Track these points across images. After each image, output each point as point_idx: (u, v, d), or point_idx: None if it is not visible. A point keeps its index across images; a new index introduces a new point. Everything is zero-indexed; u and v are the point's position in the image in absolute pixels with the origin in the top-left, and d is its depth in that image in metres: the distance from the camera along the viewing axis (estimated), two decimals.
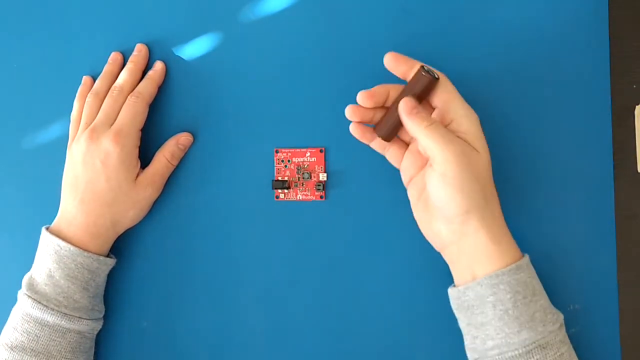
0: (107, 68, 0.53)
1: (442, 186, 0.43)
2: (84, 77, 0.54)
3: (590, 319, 0.48)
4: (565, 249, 0.49)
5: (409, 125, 0.44)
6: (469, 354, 0.45)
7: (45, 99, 0.56)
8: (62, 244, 0.48)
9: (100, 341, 0.53)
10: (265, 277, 0.52)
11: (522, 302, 0.42)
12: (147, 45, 0.54)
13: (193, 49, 0.53)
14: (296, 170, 0.52)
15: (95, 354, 0.53)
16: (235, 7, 0.53)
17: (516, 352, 0.42)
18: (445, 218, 0.44)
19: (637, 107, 0.48)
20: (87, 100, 0.52)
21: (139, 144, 0.51)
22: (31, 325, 0.48)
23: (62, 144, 0.53)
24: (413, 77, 0.45)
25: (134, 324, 0.54)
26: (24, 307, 0.48)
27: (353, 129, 0.48)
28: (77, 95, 0.53)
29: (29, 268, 0.50)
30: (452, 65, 0.50)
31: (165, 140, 0.53)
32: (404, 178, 0.48)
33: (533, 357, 0.42)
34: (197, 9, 0.53)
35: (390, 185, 0.50)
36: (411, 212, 0.48)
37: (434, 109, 0.46)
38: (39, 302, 0.48)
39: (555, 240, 0.49)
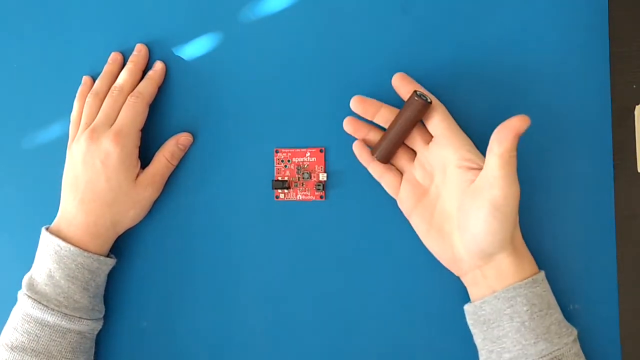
0: (107, 68, 0.53)
1: (489, 219, 0.42)
2: (84, 77, 0.54)
3: (590, 319, 0.48)
4: (565, 249, 0.49)
5: (501, 141, 0.41)
6: None
7: (45, 99, 0.56)
8: (62, 244, 0.48)
9: (100, 341, 0.53)
10: (265, 277, 0.52)
11: (539, 315, 0.43)
12: (147, 45, 0.54)
13: (193, 49, 0.53)
14: (296, 170, 0.52)
15: (95, 354, 0.53)
16: (235, 7, 0.53)
17: None
18: (478, 248, 0.44)
19: (637, 107, 0.48)
20: (87, 100, 0.52)
21: (139, 144, 0.51)
22: (31, 325, 0.48)
23: (62, 144, 0.53)
24: (408, 101, 0.46)
25: (134, 324, 0.54)
26: (24, 308, 0.48)
27: (355, 148, 0.49)
28: (77, 95, 0.53)
29: (29, 268, 0.50)
30: (451, 65, 0.50)
31: (165, 140, 0.53)
32: (404, 209, 0.49)
33: None
34: (197, 9, 0.53)
35: None
36: None
37: (430, 137, 0.47)
38: (39, 302, 0.48)
39: (555, 240, 0.49)
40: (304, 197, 0.52)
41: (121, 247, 0.54)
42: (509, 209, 0.42)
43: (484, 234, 0.43)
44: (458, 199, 0.45)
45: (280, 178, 0.52)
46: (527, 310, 0.43)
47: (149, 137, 0.53)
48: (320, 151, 0.52)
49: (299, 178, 0.52)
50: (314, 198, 0.52)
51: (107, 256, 0.51)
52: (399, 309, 0.51)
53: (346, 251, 0.51)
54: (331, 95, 0.52)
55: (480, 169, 0.44)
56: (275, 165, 0.52)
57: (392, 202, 0.50)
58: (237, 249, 0.53)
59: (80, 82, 0.54)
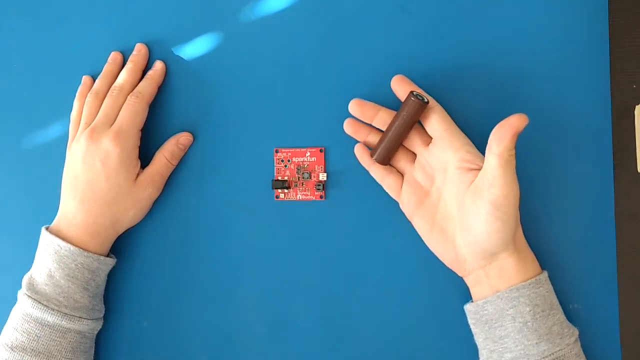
0: (107, 68, 0.53)
1: (490, 219, 0.42)
2: (84, 77, 0.54)
3: (590, 319, 0.48)
4: (565, 249, 0.49)
5: (497, 142, 0.41)
6: None
7: (45, 99, 0.56)
8: (62, 243, 0.48)
9: (100, 341, 0.53)
10: (265, 277, 0.52)
11: (541, 315, 0.43)
12: (147, 45, 0.54)
13: (193, 49, 0.53)
14: (296, 170, 0.52)
15: (95, 353, 0.53)
16: (235, 7, 0.53)
17: None
18: (480, 248, 0.44)
19: (637, 107, 0.48)
20: (87, 100, 0.52)
21: (139, 143, 0.51)
22: (31, 325, 0.48)
23: (62, 144, 0.53)
24: (405, 102, 0.46)
25: (134, 324, 0.54)
26: (24, 307, 0.48)
27: (356, 151, 0.50)
28: (77, 95, 0.53)
29: (29, 268, 0.50)
30: (451, 65, 0.50)
31: (165, 140, 0.53)
32: (406, 211, 0.49)
33: None
34: (197, 9, 0.53)
35: None
36: None
37: (429, 139, 0.47)
38: (39, 302, 0.48)
39: (556, 240, 0.49)
40: (304, 197, 0.52)
41: (121, 247, 0.54)
42: (510, 208, 0.42)
43: (485, 233, 0.43)
44: (459, 200, 0.45)
45: (280, 178, 0.52)
46: (530, 311, 0.43)
47: (149, 137, 0.53)
48: (320, 151, 0.52)
49: (299, 178, 0.52)
50: (314, 198, 0.52)
51: (107, 256, 0.51)
52: (398, 308, 0.51)
53: (346, 251, 0.51)
54: (331, 95, 0.52)
55: (480, 169, 0.44)
56: (275, 165, 0.52)
57: (392, 202, 0.50)
58: (237, 249, 0.53)
59: (80, 82, 0.54)
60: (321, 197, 0.52)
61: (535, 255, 0.46)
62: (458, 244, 0.46)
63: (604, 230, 0.49)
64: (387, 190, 0.49)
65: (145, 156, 0.52)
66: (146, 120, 0.52)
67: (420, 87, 0.48)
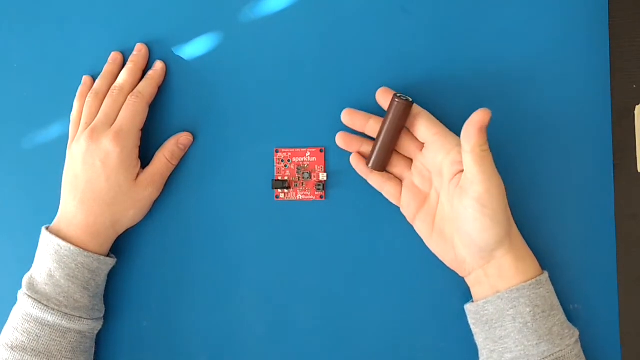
0: (107, 68, 0.53)
1: (478, 216, 0.43)
2: (84, 76, 0.54)
3: (590, 319, 0.48)
4: (565, 249, 0.49)
5: (468, 140, 0.41)
6: None
7: (45, 99, 0.56)
8: (63, 243, 0.48)
9: (100, 341, 0.53)
10: (265, 277, 0.52)
11: (541, 316, 0.43)
12: (147, 45, 0.54)
13: (193, 49, 0.53)
14: (296, 170, 0.52)
15: (95, 353, 0.53)
16: (235, 7, 0.53)
17: None
18: (476, 247, 0.44)
19: (637, 107, 0.48)
20: (87, 100, 0.52)
21: (139, 143, 0.51)
22: (32, 325, 0.48)
23: (62, 144, 0.53)
24: (390, 106, 0.46)
25: (134, 324, 0.54)
26: (24, 307, 0.48)
27: (352, 160, 0.49)
28: (77, 95, 0.53)
29: (29, 268, 0.50)
30: (451, 65, 0.50)
31: (165, 140, 0.53)
32: (407, 215, 0.49)
33: None
34: (197, 9, 0.53)
35: None
36: None
37: (422, 143, 0.47)
38: (40, 302, 0.48)
39: (555, 240, 0.49)
40: (304, 197, 0.52)
41: (121, 247, 0.54)
42: (495, 202, 0.42)
43: (477, 231, 0.43)
44: (453, 201, 0.45)
45: (280, 178, 0.52)
46: (530, 312, 0.43)
47: (149, 137, 0.53)
48: (320, 151, 0.52)
49: (299, 178, 0.52)
50: (314, 198, 0.52)
51: (107, 256, 0.51)
52: (398, 308, 0.51)
53: (346, 251, 0.51)
54: (331, 95, 0.52)
55: None
56: (275, 165, 0.52)
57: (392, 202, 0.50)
58: (237, 248, 0.53)
59: (80, 82, 0.54)
60: (321, 197, 0.52)
61: (536, 255, 0.46)
62: (456, 245, 0.46)
63: (604, 230, 0.49)
64: (387, 197, 0.49)
65: (145, 156, 0.52)
66: (146, 120, 0.52)
67: (420, 86, 0.48)
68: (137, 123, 0.51)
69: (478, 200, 0.42)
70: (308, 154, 0.52)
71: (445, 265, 0.48)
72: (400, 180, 0.49)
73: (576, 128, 0.49)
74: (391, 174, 0.49)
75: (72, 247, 0.48)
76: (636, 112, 0.48)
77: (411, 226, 0.49)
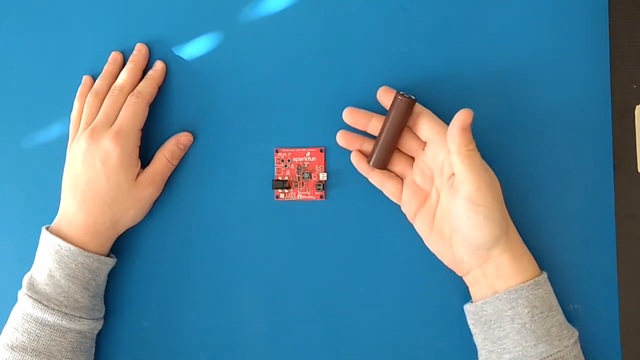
0: (107, 68, 0.53)
1: (472, 215, 0.43)
2: (84, 76, 0.54)
3: (590, 319, 0.48)
4: (565, 249, 0.49)
5: (452, 141, 0.42)
6: None
7: (45, 98, 0.56)
8: (63, 243, 0.48)
9: (101, 341, 0.53)
10: (265, 277, 0.52)
11: (540, 317, 0.43)
12: (147, 45, 0.54)
13: (193, 49, 0.53)
14: (296, 170, 0.52)
15: (95, 353, 0.53)
16: (235, 7, 0.53)
17: None
18: (472, 245, 0.44)
19: (637, 107, 0.48)
20: (87, 100, 0.52)
21: (139, 143, 0.51)
22: (32, 325, 0.48)
23: (62, 143, 0.53)
24: (392, 104, 0.46)
25: (134, 324, 0.54)
26: (24, 307, 0.48)
27: (353, 158, 0.49)
28: (77, 95, 0.53)
29: (29, 268, 0.50)
30: (451, 65, 0.50)
31: (165, 140, 0.53)
32: (407, 214, 0.49)
33: None
34: (197, 9, 0.53)
35: None
36: None
37: (424, 142, 0.47)
38: (40, 302, 0.48)
39: (555, 240, 0.49)
40: (304, 197, 0.52)
41: (121, 247, 0.54)
42: (487, 200, 0.43)
43: (471, 230, 0.43)
44: (449, 200, 0.45)
45: (280, 178, 0.52)
46: (528, 312, 0.43)
47: (149, 137, 0.53)
48: (320, 151, 0.52)
49: (299, 178, 0.52)
50: (314, 198, 0.52)
51: (107, 256, 0.51)
52: (398, 308, 0.51)
53: (346, 251, 0.51)
54: (331, 95, 0.52)
55: None
56: (275, 165, 0.52)
57: (392, 202, 0.50)
58: (237, 248, 0.53)
59: (81, 82, 0.54)
60: (321, 197, 0.52)
61: (536, 255, 0.46)
62: (454, 244, 0.46)
63: (604, 230, 0.49)
64: (387, 195, 0.49)
65: (145, 156, 0.52)
66: (146, 120, 0.52)
67: (420, 86, 0.48)
68: (137, 123, 0.51)
69: (470, 199, 0.43)
70: (308, 154, 0.52)
71: (445, 265, 0.48)
72: (401, 179, 0.49)
73: (576, 128, 0.49)
74: (392, 172, 0.49)
75: (72, 247, 0.48)
76: (636, 112, 0.48)
77: (411, 226, 0.49)
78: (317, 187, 0.51)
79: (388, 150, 0.47)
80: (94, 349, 0.52)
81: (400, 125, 0.46)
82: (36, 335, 0.48)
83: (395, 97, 0.46)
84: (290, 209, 0.52)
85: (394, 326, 0.51)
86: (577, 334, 0.45)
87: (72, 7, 0.55)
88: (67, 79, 0.54)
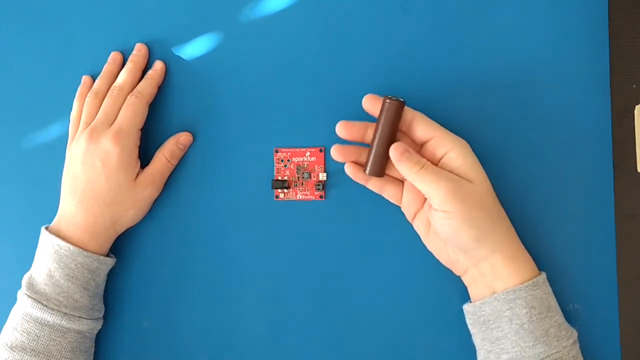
0: (107, 68, 0.53)
1: (446, 222, 0.43)
2: (84, 76, 0.54)
3: (590, 319, 0.48)
4: (565, 249, 0.49)
5: (401, 171, 0.45)
6: None
7: (45, 98, 0.56)
8: (62, 243, 0.48)
9: (100, 341, 0.53)
10: (265, 277, 0.52)
11: (538, 318, 0.43)
12: (147, 45, 0.54)
13: (193, 49, 0.53)
14: (296, 170, 0.52)
15: (95, 353, 0.53)
16: (235, 7, 0.53)
17: None
18: (457, 248, 0.45)
19: (637, 107, 0.48)
20: (86, 99, 0.52)
21: (138, 143, 0.51)
22: (31, 325, 0.48)
23: (62, 143, 0.53)
24: (381, 109, 0.45)
25: (134, 324, 0.54)
26: (23, 307, 0.48)
27: (347, 170, 0.48)
28: (77, 95, 0.53)
29: (28, 268, 0.50)
30: (451, 65, 0.50)
31: (165, 140, 0.53)
32: (407, 214, 0.49)
33: None
34: (197, 9, 0.53)
35: None
36: None
37: (420, 145, 0.47)
38: (39, 302, 0.48)
39: (556, 240, 0.49)
40: (303, 196, 0.52)
41: (121, 247, 0.54)
42: (456, 205, 0.43)
43: (450, 236, 0.44)
44: None
45: (280, 178, 0.52)
46: (527, 313, 0.43)
47: (149, 136, 0.53)
48: (320, 151, 0.52)
49: (298, 178, 0.52)
50: (313, 198, 0.52)
51: (107, 256, 0.51)
52: (398, 308, 0.51)
53: (346, 251, 0.51)
54: (331, 95, 0.52)
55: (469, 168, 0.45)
56: (275, 165, 0.52)
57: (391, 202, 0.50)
58: (237, 248, 0.53)
59: (80, 82, 0.54)
60: (321, 197, 0.52)
61: (535, 255, 0.46)
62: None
63: (604, 230, 0.48)
64: (388, 199, 0.49)
65: (145, 156, 0.52)
66: (146, 120, 0.52)
67: (420, 87, 0.48)
68: (136, 123, 0.51)
69: (439, 209, 0.43)
70: (308, 154, 0.52)
71: (445, 266, 0.48)
72: (400, 182, 0.49)
73: (576, 128, 0.49)
74: (390, 176, 0.48)
75: (72, 247, 0.48)
76: (636, 112, 0.48)
77: (410, 226, 0.49)
78: (317, 187, 0.51)
79: (383, 156, 0.46)
80: (93, 349, 0.52)
81: (392, 129, 0.45)
82: (35, 335, 0.48)
83: (384, 102, 0.45)
84: (290, 208, 0.52)
85: (394, 326, 0.51)
86: (576, 334, 0.45)
87: (72, 7, 0.55)
88: (67, 79, 0.55)
